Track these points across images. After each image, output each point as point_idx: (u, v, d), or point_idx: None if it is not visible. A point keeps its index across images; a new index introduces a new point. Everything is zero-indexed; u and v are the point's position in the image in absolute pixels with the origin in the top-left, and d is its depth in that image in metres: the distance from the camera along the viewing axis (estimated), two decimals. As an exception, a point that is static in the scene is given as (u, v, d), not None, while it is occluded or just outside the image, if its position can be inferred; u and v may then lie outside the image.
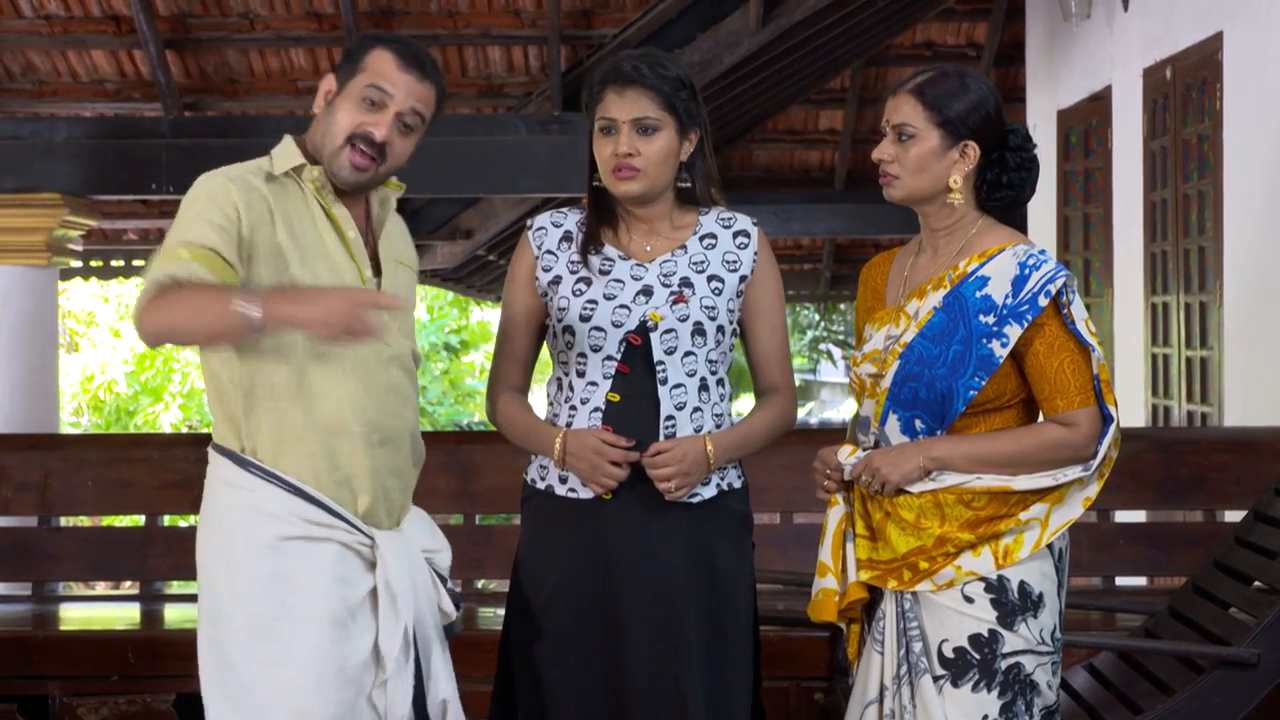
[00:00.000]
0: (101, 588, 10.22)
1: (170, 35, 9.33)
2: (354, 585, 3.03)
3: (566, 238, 3.27)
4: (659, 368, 3.16)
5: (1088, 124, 9.75)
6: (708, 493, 3.19)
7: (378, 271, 3.13)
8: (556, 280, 3.24)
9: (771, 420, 3.28)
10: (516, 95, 9.56)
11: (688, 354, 3.18)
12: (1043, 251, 3.13)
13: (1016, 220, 3.25)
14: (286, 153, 3.11)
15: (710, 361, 3.20)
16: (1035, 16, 10.96)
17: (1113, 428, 3.12)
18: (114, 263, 12.77)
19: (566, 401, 3.21)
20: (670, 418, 3.15)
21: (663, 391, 3.16)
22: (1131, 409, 8.65)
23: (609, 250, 3.24)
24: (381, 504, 3.07)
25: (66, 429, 19.17)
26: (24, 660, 4.56)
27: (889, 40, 12.32)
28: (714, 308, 3.20)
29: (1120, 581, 5.50)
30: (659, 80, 3.17)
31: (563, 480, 3.20)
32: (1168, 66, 8.04)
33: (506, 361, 3.32)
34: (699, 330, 3.18)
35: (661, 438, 3.14)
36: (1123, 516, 6.03)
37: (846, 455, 3.16)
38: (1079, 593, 5.29)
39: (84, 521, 7.93)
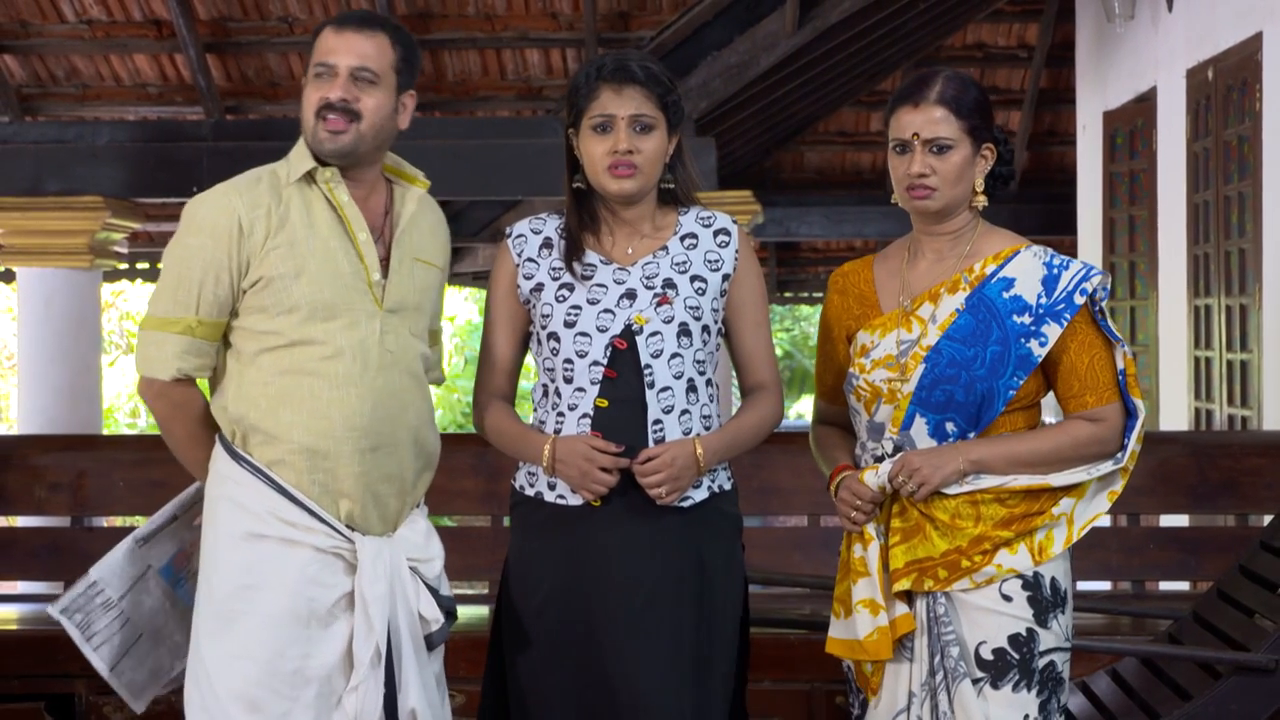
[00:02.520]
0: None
1: (210, 39, 9.41)
2: (328, 588, 3.04)
3: (547, 244, 3.25)
4: (646, 371, 3.14)
5: (1133, 125, 9.68)
6: (698, 496, 3.18)
7: (387, 273, 3.14)
8: (539, 287, 3.22)
9: (760, 419, 3.26)
10: (555, 98, 9.59)
11: (674, 356, 3.16)
12: (1054, 251, 3.18)
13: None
14: (300, 156, 3.15)
15: (698, 362, 3.19)
16: (1084, 17, 10.89)
17: (1138, 422, 3.15)
18: (159, 265, 12.88)
19: (554, 408, 3.19)
20: (658, 422, 3.14)
21: (650, 395, 3.14)
22: (1174, 412, 8.58)
23: (590, 255, 3.22)
24: (371, 509, 3.09)
25: (124, 430, 19.36)
26: (51, 659, 4.60)
27: (939, 42, 12.28)
28: (698, 308, 3.18)
29: (1164, 586, 5.47)
30: (654, 79, 3.17)
31: (551, 487, 3.18)
32: (1209, 67, 7.97)
33: (491, 370, 3.30)
34: (684, 331, 3.17)
35: (650, 442, 3.13)
36: (1165, 521, 6.00)
37: (874, 477, 3.14)
38: (1108, 597, 5.27)
39: (116, 522, 8.02)
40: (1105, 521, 5.19)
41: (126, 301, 20.80)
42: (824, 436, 3.37)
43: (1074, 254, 11.41)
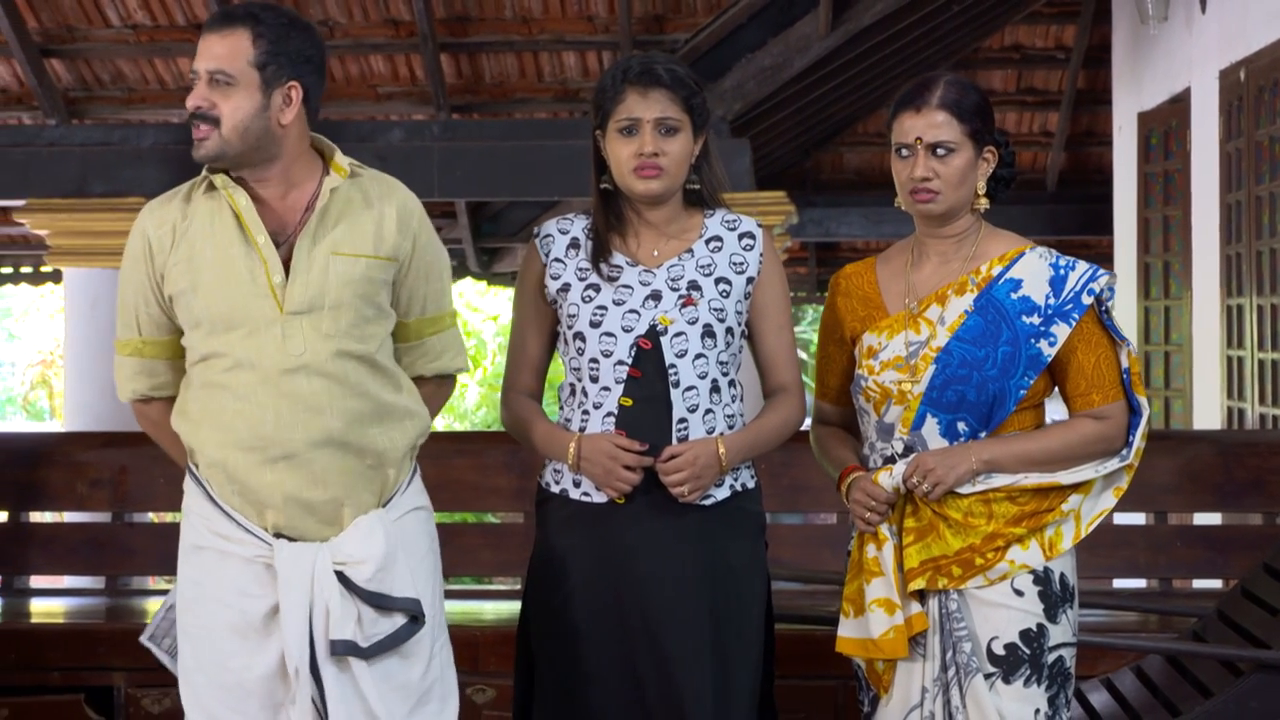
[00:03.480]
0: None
1: (253, 43, 9.47)
2: (258, 598, 2.98)
3: (574, 244, 3.28)
4: (670, 371, 3.17)
5: (1167, 126, 9.69)
6: (721, 494, 3.21)
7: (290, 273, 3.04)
8: (565, 287, 3.25)
9: (783, 420, 3.29)
10: (591, 100, 9.65)
11: (699, 356, 3.19)
12: (1058, 252, 3.23)
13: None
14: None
15: (721, 363, 3.22)
16: (1120, 18, 10.88)
17: (1143, 420, 3.20)
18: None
19: (579, 406, 3.23)
20: (683, 420, 3.17)
21: (675, 394, 3.17)
22: (1208, 411, 8.59)
23: (616, 256, 3.26)
24: (304, 517, 3.01)
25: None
26: (91, 652, 4.68)
27: (977, 43, 12.28)
28: (722, 310, 3.22)
29: (1197, 584, 5.48)
30: (679, 81, 3.20)
31: (576, 484, 3.22)
32: (1241, 68, 7.98)
33: (519, 368, 3.35)
34: (709, 333, 3.20)
35: (674, 440, 3.16)
36: (1200, 519, 6.00)
37: (888, 478, 3.17)
38: (1136, 595, 5.29)
39: (153, 518, 8.11)
40: (1137, 519, 5.23)
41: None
42: (827, 437, 3.40)
43: (1111, 254, 11.43)
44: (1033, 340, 3.15)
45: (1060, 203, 13.23)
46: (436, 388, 3.27)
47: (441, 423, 15.56)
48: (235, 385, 2.98)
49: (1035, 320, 3.15)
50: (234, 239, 3.01)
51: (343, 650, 2.95)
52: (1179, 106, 9.38)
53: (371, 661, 2.99)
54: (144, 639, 3.22)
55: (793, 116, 10.52)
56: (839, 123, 12.87)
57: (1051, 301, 3.15)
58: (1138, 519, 5.30)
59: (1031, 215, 13.28)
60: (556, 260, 3.28)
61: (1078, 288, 3.15)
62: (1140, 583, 5.69)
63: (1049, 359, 3.15)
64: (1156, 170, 9.89)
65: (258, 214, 3.03)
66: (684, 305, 3.20)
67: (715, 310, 3.21)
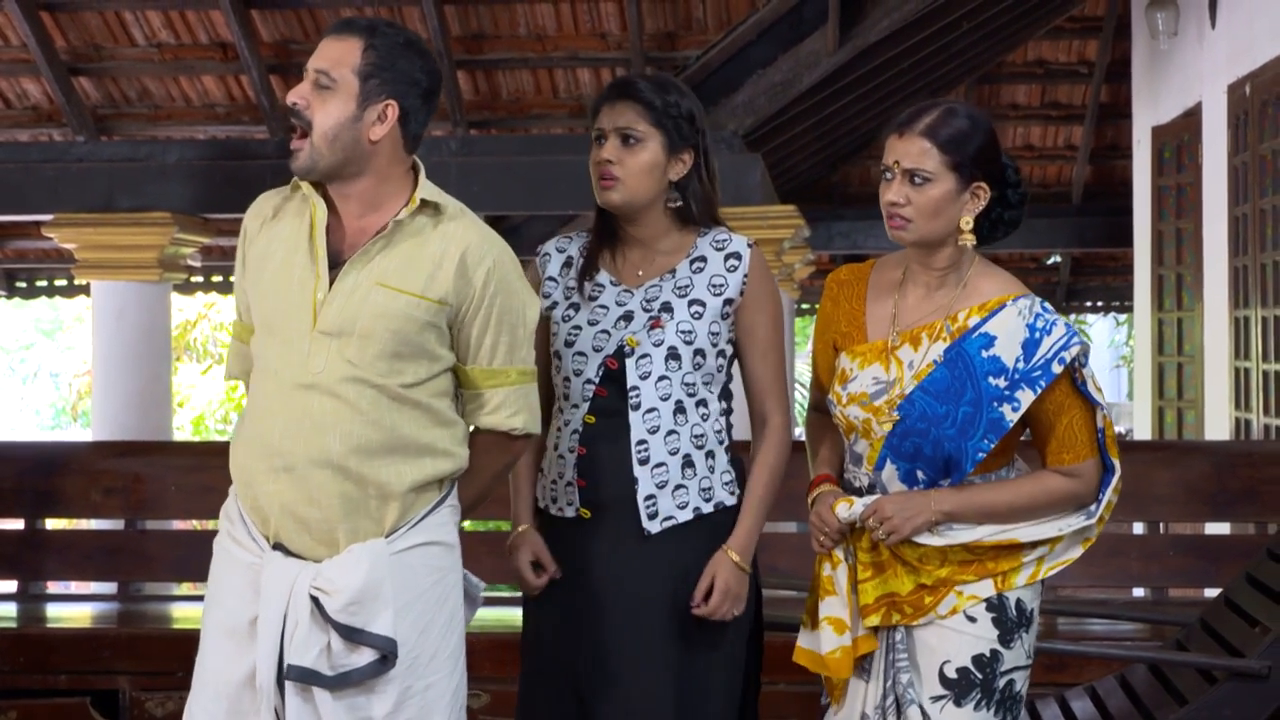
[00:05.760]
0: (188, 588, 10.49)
1: (273, 60, 9.57)
2: (247, 602, 2.97)
3: (567, 263, 3.31)
4: (632, 393, 3.19)
5: (1180, 140, 9.74)
6: (682, 517, 3.23)
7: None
8: (553, 305, 3.29)
9: (770, 477, 3.28)
10: (590, 115, 9.75)
11: (662, 378, 3.20)
12: (1044, 305, 3.09)
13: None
14: None
15: (687, 385, 3.22)
16: (1138, 34, 10.93)
17: (1115, 477, 3.12)
18: (230, 279, 13.21)
19: (555, 424, 3.31)
20: (642, 442, 3.19)
21: (634, 417, 3.19)
22: (1216, 422, 8.63)
23: (602, 275, 3.28)
24: (300, 533, 2.96)
25: (214, 437, 19.67)
26: (96, 656, 4.79)
27: (999, 58, 12.32)
28: (691, 332, 3.21)
29: (1210, 592, 5.51)
30: (649, 96, 3.23)
31: (554, 500, 3.31)
32: (1247, 83, 8.04)
33: None
34: (673, 355, 3.20)
35: (634, 460, 3.19)
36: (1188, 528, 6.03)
37: (845, 510, 3.14)
38: (1127, 604, 5.34)
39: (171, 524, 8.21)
40: (1138, 528, 5.27)
41: (219, 313, 21.14)
42: (816, 429, 3.36)
43: (1130, 266, 11.45)
44: (995, 404, 3.04)
45: (1085, 215, 13.26)
46: (493, 443, 3.12)
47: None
48: (261, 391, 2.99)
49: (1001, 383, 3.04)
50: (302, 246, 2.98)
51: (296, 676, 2.90)
52: (1191, 120, 9.43)
53: (335, 693, 2.92)
54: None
55: (811, 131, 10.56)
56: (864, 136, 12.90)
57: (1020, 365, 3.04)
58: (1141, 528, 5.33)
59: (1057, 228, 13.32)
60: (550, 279, 3.32)
61: (1049, 355, 3.03)
62: (1141, 591, 5.75)
63: (1011, 424, 3.04)
64: (1169, 184, 9.94)
65: (330, 229, 3.00)
66: (652, 327, 3.21)
67: (683, 333, 3.21)
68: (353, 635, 2.92)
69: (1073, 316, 19.36)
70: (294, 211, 3.04)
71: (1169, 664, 4.15)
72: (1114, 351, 23.31)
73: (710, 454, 3.25)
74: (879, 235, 13.46)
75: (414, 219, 3.00)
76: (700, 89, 8.62)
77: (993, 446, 3.05)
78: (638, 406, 3.20)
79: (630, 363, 3.21)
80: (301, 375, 2.95)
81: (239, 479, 3.01)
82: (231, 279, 13.50)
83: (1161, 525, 5.30)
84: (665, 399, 3.21)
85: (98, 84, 10.89)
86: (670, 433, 3.21)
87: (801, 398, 15.22)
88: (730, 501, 3.27)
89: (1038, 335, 3.04)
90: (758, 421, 3.32)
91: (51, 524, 5.64)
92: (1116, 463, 3.12)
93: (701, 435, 3.24)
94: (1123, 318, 19.30)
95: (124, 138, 10.63)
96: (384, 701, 2.96)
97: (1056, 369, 3.03)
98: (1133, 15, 11.16)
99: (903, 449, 3.09)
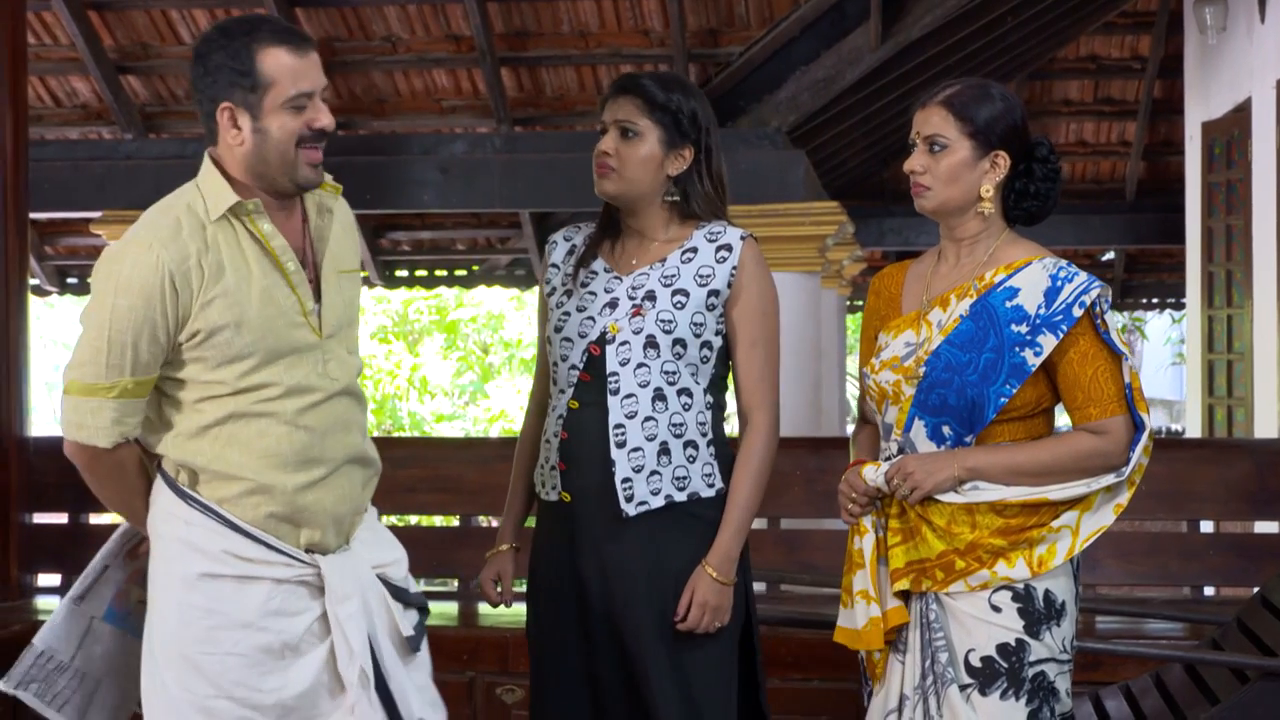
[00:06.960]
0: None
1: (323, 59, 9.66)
2: (296, 616, 2.96)
3: (571, 251, 3.38)
4: (611, 379, 3.25)
5: (1230, 136, 9.66)
6: (655, 503, 3.26)
7: (320, 296, 3.01)
8: (552, 292, 3.38)
9: (749, 482, 3.30)
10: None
11: (640, 365, 3.25)
12: (1070, 264, 3.15)
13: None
14: (217, 191, 2.92)
15: (666, 373, 3.26)
16: (1190, 29, 10.87)
17: (1144, 435, 3.14)
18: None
19: (551, 406, 3.37)
20: (619, 426, 3.24)
21: (613, 401, 3.24)
22: (1266, 420, 8.56)
23: (598, 263, 3.34)
24: (330, 532, 3.01)
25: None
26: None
27: (1051, 54, 12.26)
28: (671, 321, 3.26)
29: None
30: (650, 92, 3.27)
31: (542, 484, 3.37)
32: (1296, 78, 7.97)
33: (537, 373, 3.51)
34: (651, 343, 3.25)
35: (612, 444, 3.24)
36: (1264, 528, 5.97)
37: (871, 473, 3.18)
38: (1167, 603, 5.29)
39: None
40: (1179, 527, 5.24)
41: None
42: (859, 438, 3.41)
43: (1182, 263, 11.37)
44: (1017, 349, 3.10)
45: (1139, 211, 13.19)
46: None
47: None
48: (283, 411, 2.94)
49: (1023, 329, 3.10)
50: (264, 269, 2.92)
51: (415, 646, 3.08)
52: (1241, 116, 9.36)
53: (406, 659, 3.07)
54: (6, 686, 3.11)
55: (857, 127, 10.54)
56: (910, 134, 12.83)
57: (1042, 311, 3.10)
58: (1184, 526, 5.30)
59: (1111, 224, 13.25)
60: (552, 266, 3.40)
61: (1070, 299, 3.09)
62: (1186, 590, 5.70)
63: (1033, 368, 3.09)
64: (1219, 180, 9.87)
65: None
66: (633, 315, 3.26)
67: (663, 322, 3.26)
68: (406, 597, 3.10)
69: (1127, 313, 19.24)
70: (225, 239, 2.91)
71: (1201, 663, 4.12)
72: (1170, 349, 23.15)
73: (691, 444, 3.28)
74: (931, 231, 13.42)
75: (320, 196, 3.05)
76: (743, 85, 8.63)
77: (1015, 392, 3.10)
78: (616, 391, 3.25)
79: (610, 349, 3.27)
80: (327, 384, 3.00)
81: (254, 500, 2.94)
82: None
83: (1203, 524, 5.26)
84: (644, 386, 3.26)
85: (145, 82, 10.99)
86: (648, 419, 3.26)
87: (852, 395, 15.19)
88: (707, 494, 3.29)
89: (1059, 283, 3.12)
90: (742, 419, 3.36)
91: (95, 519, 5.66)
92: (1146, 418, 3.14)
93: (681, 424, 3.28)
94: (1179, 314, 19.17)
95: (171, 136, 10.73)
96: (426, 656, 3.16)
97: (1077, 312, 3.09)
98: (1185, 11, 11.09)
99: (929, 402, 3.14)
